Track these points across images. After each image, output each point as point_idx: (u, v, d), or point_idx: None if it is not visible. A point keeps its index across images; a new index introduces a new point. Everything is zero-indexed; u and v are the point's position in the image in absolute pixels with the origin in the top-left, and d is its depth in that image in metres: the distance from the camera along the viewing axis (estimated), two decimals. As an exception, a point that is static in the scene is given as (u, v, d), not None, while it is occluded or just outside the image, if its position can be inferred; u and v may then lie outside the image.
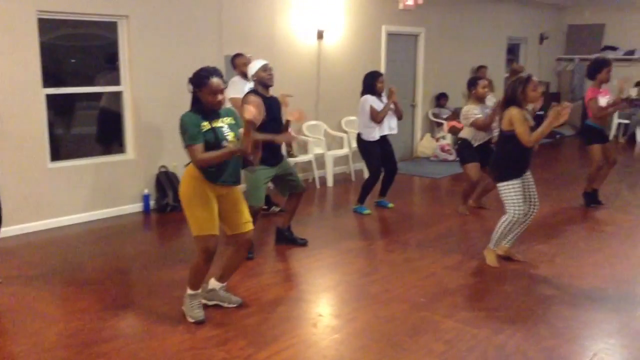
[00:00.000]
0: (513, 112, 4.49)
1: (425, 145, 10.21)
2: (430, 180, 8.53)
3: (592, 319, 3.84)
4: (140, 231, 6.12)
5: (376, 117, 6.27)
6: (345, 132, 8.73)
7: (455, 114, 10.34)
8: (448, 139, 10.03)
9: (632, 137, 12.11)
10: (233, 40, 7.21)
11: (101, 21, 6.21)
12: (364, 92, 6.42)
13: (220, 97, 3.62)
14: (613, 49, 12.89)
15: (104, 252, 5.30)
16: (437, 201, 7.58)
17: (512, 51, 12.70)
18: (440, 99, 10.51)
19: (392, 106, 6.36)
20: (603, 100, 6.41)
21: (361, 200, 6.53)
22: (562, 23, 13.61)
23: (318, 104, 8.42)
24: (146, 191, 6.54)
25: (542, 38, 12.94)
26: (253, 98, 4.81)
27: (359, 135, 6.51)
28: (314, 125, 8.35)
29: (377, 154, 6.40)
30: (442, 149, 9.88)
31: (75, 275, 4.65)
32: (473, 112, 6.15)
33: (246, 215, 3.86)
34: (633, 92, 12.09)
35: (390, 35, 9.37)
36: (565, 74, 13.63)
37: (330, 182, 8.08)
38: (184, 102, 6.94)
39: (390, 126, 6.47)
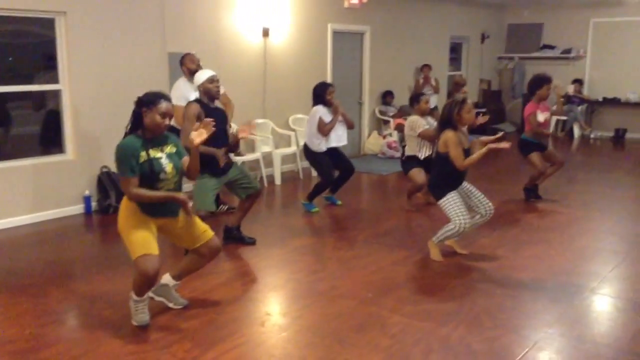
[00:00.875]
0: (449, 135, 4.66)
1: (373, 142, 10.31)
2: (378, 176, 8.62)
3: (532, 310, 3.96)
4: (81, 233, 5.95)
5: (323, 130, 6.26)
6: (293, 130, 8.72)
7: (402, 112, 10.50)
8: (395, 136, 10.16)
9: (571, 133, 12.56)
10: (177, 38, 7.10)
11: (37, 17, 6.01)
12: (314, 103, 6.39)
13: (167, 121, 3.53)
14: (551, 47, 13.34)
15: (44, 256, 5.13)
16: (384, 198, 7.67)
17: (455, 50, 12.98)
18: (387, 97, 10.63)
19: (340, 118, 6.38)
20: (541, 116, 6.63)
21: (310, 197, 6.53)
22: (503, 22, 13.99)
23: (265, 102, 8.38)
24: (87, 192, 6.37)
25: (483, 37, 13.27)
26: (195, 107, 4.75)
27: (305, 145, 6.50)
28: (261, 124, 8.31)
29: (327, 161, 6.40)
30: (389, 146, 9.99)
31: (14, 280, 4.49)
32: (420, 122, 6.26)
33: (200, 226, 3.78)
34: (570, 89, 12.57)
35: (336, 33, 9.42)
36: (506, 72, 14.02)
37: (278, 181, 8.06)
38: (126, 100, 6.80)
39: (338, 137, 6.44)
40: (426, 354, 3.32)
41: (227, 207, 6.44)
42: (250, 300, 4.15)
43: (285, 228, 5.99)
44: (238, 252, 5.15)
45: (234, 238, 5.32)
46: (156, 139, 3.57)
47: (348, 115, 6.49)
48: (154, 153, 3.53)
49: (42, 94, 6.29)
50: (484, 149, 4.57)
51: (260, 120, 8.31)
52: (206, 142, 4.63)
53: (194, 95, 5.30)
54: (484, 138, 4.81)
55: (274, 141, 8.25)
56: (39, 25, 6.13)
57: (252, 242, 5.33)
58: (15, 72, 6.22)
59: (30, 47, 6.37)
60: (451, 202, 4.69)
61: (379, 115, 10.58)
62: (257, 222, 6.10)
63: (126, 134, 3.58)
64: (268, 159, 8.12)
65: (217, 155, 4.71)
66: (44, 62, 6.29)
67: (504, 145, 4.57)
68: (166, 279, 3.92)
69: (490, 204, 4.89)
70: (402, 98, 10.96)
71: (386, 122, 10.54)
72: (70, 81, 6.21)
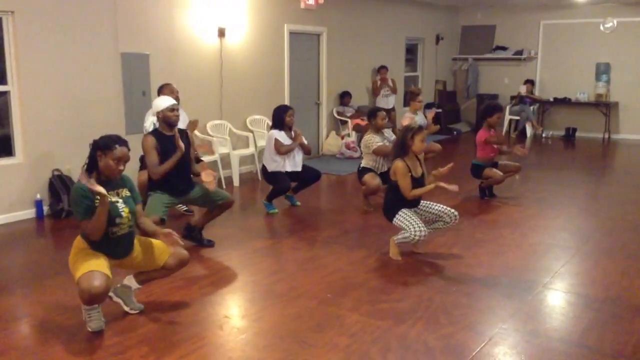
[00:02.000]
0: (398, 165, 4.79)
1: (331, 142, 10.35)
2: (337, 177, 8.66)
3: (487, 306, 4.04)
4: (33, 238, 5.79)
5: (279, 149, 6.28)
6: (251, 131, 8.68)
7: (360, 112, 10.57)
8: (353, 137, 10.22)
9: (523, 132, 12.86)
10: (130, 38, 6.97)
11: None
12: (272, 127, 6.44)
13: (122, 166, 3.52)
14: (503, 48, 13.65)
15: (-7, 263, 4.97)
16: (343, 198, 7.71)
17: (411, 51, 13.14)
18: (344, 97, 10.68)
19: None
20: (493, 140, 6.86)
21: (269, 198, 6.51)
22: (457, 24, 14.25)
23: (222, 103, 8.31)
24: (38, 196, 6.20)
25: (438, 38, 13.48)
26: (150, 140, 4.82)
27: (263, 166, 6.54)
28: (218, 125, 8.24)
29: (284, 176, 6.40)
30: (347, 147, 10.05)
31: (-40, 289, 4.33)
32: (374, 140, 6.35)
33: (157, 246, 3.76)
34: (522, 90, 12.89)
35: (292, 34, 9.42)
36: (461, 73, 14.28)
37: (236, 182, 8.01)
38: (78, 101, 6.66)
39: (295, 162, 6.45)
40: (384, 352, 3.35)
41: (184, 208, 6.36)
42: (209, 303, 4.10)
43: (243, 230, 5.96)
44: (196, 255, 5.08)
45: (193, 238, 5.26)
46: (112, 182, 3.55)
47: (306, 143, 6.53)
48: (111, 197, 3.50)
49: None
50: (432, 185, 4.75)
51: (217, 122, 8.24)
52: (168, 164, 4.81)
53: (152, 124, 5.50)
54: (437, 171, 4.88)
55: (232, 142, 8.19)
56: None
57: (210, 245, 5.28)
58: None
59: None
60: (403, 217, 4.80)
61: (336, 116, 10.63)
62: (216, 224, 6.03)
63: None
64: (226, 160, 8.05)
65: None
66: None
67: (453, 188, 4.70)
68: (130, 281, 3.85)
69: (453, 211, 4.97)
70: (359, 98, 11.04)
71: (344, 123, 10.59)
72: (19, 82, 6.03)
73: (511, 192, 7.39)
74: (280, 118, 6.37)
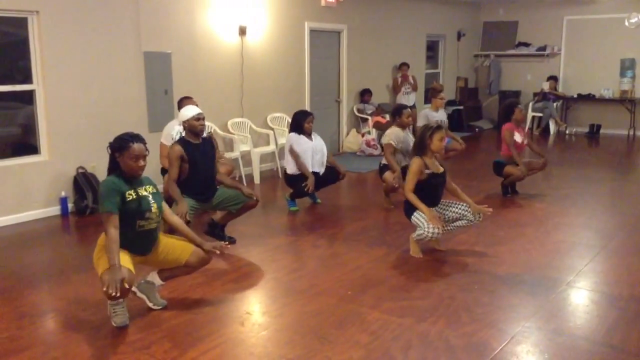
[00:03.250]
0: (414, 161, 4.81)
1: (351, 140, 10.34)
2: (357, 174, 8.65)
3: (509, 304, 4.01)
4: (57, 235, 5.88)
5: (296, 159, 6.33)
6: (272, 128, 8.71)
7: (380, 110, 10.55)
8: (373, 134, 10.20)
9: (547, 129, 12.72)
10: (152, 37, 7.04)
11: (10, 17, 5.91)
12: (291, 130, 6.53)
13: (142, 162, 3.53)
14: (526, 45, 13.50)
15: (21, 258, 5.06)
16: (363, 195, 7.70)
17: (432, 48, 13.06)
18: (364, 95, 10.66)
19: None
20: (518, 137, 6.78)
21: (292, 197, 6.54)
22: (478, 20, 14.12)
23: (242, 101, 8.35)
24: (63, 194, 6.29)
25: (459, 35, 13.37)
26: (177, 150, 4.83)
27: (285, 169, 6.60)
28: (239, 123, 8.29)
29: (300, 186, 6.37)
30: (368, 144, 10.03)
31: (-12, 284, 4.42)
32: (391, 137, 6.36)
33: (178, 245, 3.79)
34: (545, 86, 12.74)
35: (313, 31, 9.42)
36: (482, 70, 14.15)
37: (257, 179, 8.04)
38: (101, 100, 6.75)
39: (314, 163, 6.45)
40: (405, 350, 3.34)
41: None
42: (230, 299, 4.13)
43: (264, 227, 5.98)
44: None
45: (215, 235, 5.30)
46: (136, 179, 3.60)
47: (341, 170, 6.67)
48: (142, 191, 3.57)
49: (16, 94, 6.18)
50: (426, 212, 4.67)
51: (238, 119, 8.29)
52: (196, 173, 4.86)
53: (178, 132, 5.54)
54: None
55: (253, 140, 8.23)
56: (12, 24, 6.03)
57: (231, 241, 5.31)
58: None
59: (2, 47, 6.26)
60: (420, 215, 4.76)
61: (357, 114, 10.61)
62: (237, 221, 6.06)
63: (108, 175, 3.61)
64: (247, 158, 8.09)
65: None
66: (18, 63, 6.19)
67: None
68: (153, 277, 3.89)
69: (478, 215, 4.89)
70: (380, 96, 11.01)
71: (364, 120, 10.57)
72: (44, 81, 6.12)
73: (534, 189, 7.31)
74: (299, 123, 6.44)
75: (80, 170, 6.44)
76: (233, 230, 5.51)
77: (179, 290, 4.19)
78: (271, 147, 8.49)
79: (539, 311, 3.86)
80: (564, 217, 6.17)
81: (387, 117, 10.07)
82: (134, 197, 3.53)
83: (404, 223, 5.78)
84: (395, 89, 11.26)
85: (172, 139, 5.71)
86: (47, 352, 3.36)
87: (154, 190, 3.70)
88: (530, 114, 12.57)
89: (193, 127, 4.93)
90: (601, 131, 12.52)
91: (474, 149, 11.06)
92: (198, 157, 4.93)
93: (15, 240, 5.58)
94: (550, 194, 7.22)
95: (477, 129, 13.14)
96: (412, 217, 4.85)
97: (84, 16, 6.35)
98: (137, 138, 3.56)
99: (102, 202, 3.48)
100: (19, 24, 5.99)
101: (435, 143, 4.80)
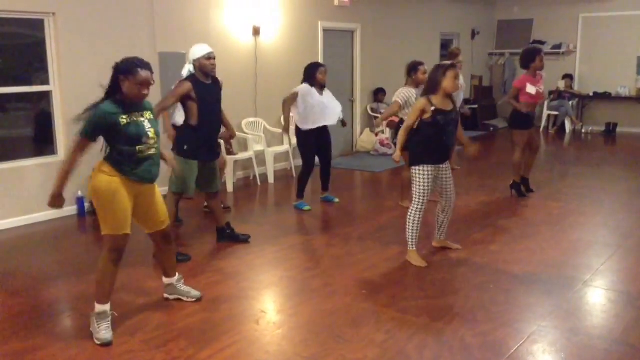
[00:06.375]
0: (420, 100, 4.58)
1: (365, 140, 10.33)
2: (371, 174, 8.64)
3: (525, 303, 3.98)
4: (74, 235, 5.93)
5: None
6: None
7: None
8: (387, 134, 10.17)
9: (562, 128, 12.61)
10: (167, 38, 7.08)
11: (26, 19, 5.98)
12: (303, 81, 6.34)
13: (146, 91, 3.45)
14: (541, 43, 13.36)
15: (38, 258, 5.12)
16: (377, 194, 7.69)
17: (446, 47, 12.99)
18: (378, 94, 10.64)
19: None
20: (532, 89, 6.62)
21: (299, 194, 6.54)
22: (493, 18, 14.04)
23: (256, 100, 8.37)
24: (80, 193, 6.35)
25: (473, 33, 13.30)
26: (187, 86, 4.69)
27: (296, 127, 6.49)
28: (253, 122, 8.31)
29: (311, 146, 6.41)
30: (382, 143, 10.01)
31: (7, 282, 4.47)
32: (408, 94, 6.23)
33: (162, 213, 3.76)
34: (561, 85, 12.63)
35: (326, 31, 9.42)
36: (497, 68, 14.06)
37: (271, 179, 8.06)
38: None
39: (326, 116, 6.36)
40: (420, 349, 3.33)
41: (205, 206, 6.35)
42: (245, 298, 4.14)
43: (278, 226, 5.99)
44: (231, 251, 5.14)
45: (227, 237, 5.31)
46: (135, 104, 3.49)
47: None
48: (136, 117, 3.47)
49: (33, 95, 6.25)
50: (398, 151, 4.71)
51: (252, 119, 8.31)
52: (205, 114, 4.70)
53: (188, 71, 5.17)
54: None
55: (266, 140, 8.24)
56: (29, 26, 6.10)
57: (246, 239, 5.32)
58: (4, 73, 6.17)
59: (19, 48, 6.33)
60: (422, 176, 4.57)
61: (371, 113, 10.59)
62: (251, 220, 6.11)
63: (104, 98, 3.49)
64: (261, 157, 8.11)
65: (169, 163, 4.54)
66: (34, 64, 6.25)
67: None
68: (166, 280, 4.01)
69: (453, 198, 4.82)
70: (393, 95, 10.96)
71: (378, 120, 10.54)
72: (61, 82, 6.18)
73: (550, 188, 7.26)
74: (311, 74, 6.25)
75: (96, 170, 6.48)
76: (247, 230, 5.53)
77: (194, 289, 4.21)
78: (285, 147, 8.50)
79: (556, 310, 3.83)
80: (580, 216, 6.12)
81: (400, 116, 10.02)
82: (128, 121, 3.41)
83: (418, 222, 5.77)
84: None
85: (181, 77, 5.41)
86: (63, 350, 3.39)
87: (150, 117, 3.58)
88: (545, 112, 12.46)
89: (204, 67, 4.75)
90: (618, 129, 12.38)
91: (488, 147, 10.99)
92: (207, 97, 4.75)
93: (32, 240, 5.64)
94: (566, 192, 7.16)
95: (491, 128, 13.06)
96: (414, 170, 4.61)
97: (99, 17, 6.41)
98: (146, 65, 3.45)
99: (84, 125, 3.40)
100: (36, 26, 6.05)
101: (448, 80, 4.42)
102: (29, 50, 6.34)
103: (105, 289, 3.52)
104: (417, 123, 4.60)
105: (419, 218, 4.68)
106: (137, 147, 3.46)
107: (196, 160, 4.89)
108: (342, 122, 6.65)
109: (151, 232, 3.78)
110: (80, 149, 3.43)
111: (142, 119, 3.50)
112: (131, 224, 3.55)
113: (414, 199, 4.65)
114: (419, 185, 4.60)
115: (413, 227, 4.69)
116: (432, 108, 4.48)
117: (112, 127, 3.39)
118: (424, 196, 4.61)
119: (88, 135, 3.41)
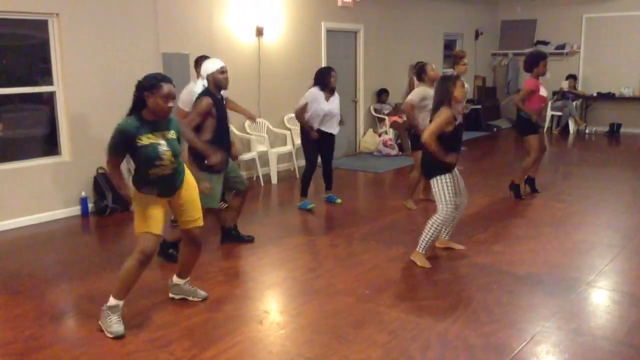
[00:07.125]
0: (442, 110, 4.52)
1: (368, 140, 10.33)
2: (374, 174, 8.63)
3: (528, 304, 3.98)
4: (78, 235, 5.95)
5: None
6: (289, 129, 8.72)
7: (397, 109, 10.51)
8: (390, 134, 10.18)
9: (566, 128, 12.58)
10: (170, 38, 7.09)
11: (30, 19, 6.00)
12: (315, 84, 6.39)
13: (170, 103, 3.50)
14: (545, 43, 13.36)
15: (42, 258, 5.13)
16: (380, 195, 7.68)
17: (449, 47, 12.98)
18: (381, 95, 10.64)
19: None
20: (544, 91, 6.63)
21: (303, 193, 6.55)
22: (496, 19, 14.02)
23: (260, 101, 8.38)
24: (84, 194, 6.36)
25: (477, 34, 13.29)
26: (208, 102, 4.67)
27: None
28: (256, 123, 8.31)
29: (313, 144, 6.41)
30: (385, 144, 10.01)
31: (12, 282, 4.48)
32: (423, 94, 6.18)
33: (190, 214, 3.80)
34: (564, 85, 12.61)
35: (329, 32, 9.43)
36: (500, 69, 14.05)
37: (274, 180, 8.06)
38: (121, 101, 6.79)
39: (331, 124, 6.42)
40: (424, 350, 3.33)
41: (226, 205, 6.41)
42: (248, 298, 4.15)
43: (282, 227, 6.00)
44: (235, 251, 5.15)
45: (232, 238, 5.31)
46: (159, 122, 3.53)
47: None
48: (155, 139, 3.50)
49: (37, 95, 6.27)
50: (445, 156, 4.48)
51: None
52: (221, 128, 4.75)
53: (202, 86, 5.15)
54: None
55: (270, 140, 8.25)
56: (33, 27, 6.12)
57: (250, 240, 5.33)
58: (9, 74, 6.20)
59: (23, 49, 6.35)
60: (443, 185, 4.58)
61: (374, 113, 10.59)
62: (254, 221, 6.11)
63: (128, 114, 3.55)
64: (264, 158, 8.12)
65: (206, 154, 4.61)
66: (38, 65, 6.27)
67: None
68: (175, 280, 4.03)
69: (466, 192, 4.83)
70: (397, 96, 10.97)
71: (381, 120, 10.55)
72: (65, 83, 6.20)
73: (554, 188, 7.25)
74: (324, 79, 6.29)
75: (101, 171, 6.50)
76: (250, 230, 5.53)
77: (200, 290, 4.21)
78: (288, 148, 8.50)
79: (559, 311, 3.82)
80: (584, 217, 6.11)
81: (404, 117, 10.02)
82: (145, 143, 3.45)
83: (421, 223, 5.76)
84: (412, 89, 11.19)
85: (195, 94, 5.41)
86: (67, 350, 3.40)
87: (174, 136, 3.61)
88: (549, 113, 12.44)
89: (218, 81, 4.77)
90: (622, 130, 12.36)
91: (491, 149, 10.99)
92: (222, 111, 4.78)
93: (36, 240, 5.66)
94: (570, 193, 7.15)
95: (495, 128, 13.04)
96: (433, 184, 4.61)
97: (103, 18, 6.42)
98: (167, 78, 3.52)
99: (110, 143, 3.51)
100: (40, 27, 6.07)
101: (458, 89, 4.53)
102: (33, 51, 6.36)
103: (126, 286, 3.59)
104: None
105: (441, 227, 4.70)
106: (149, 171, 3.53)
107: (220, 173, 4.87)
108: (340, 121, 6.64)
109: (185, 229, 3.85)
110: (111, 165, 3.58)
111: (161, 141, 3.52)
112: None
113: (441, 208, 4.62)
114: (446, 195, 4.60)
115: (432, 234, 4.68)
116: (457, 122, 4.56)
117: (129, 144, 3.47)
118: (451, 204, 4.60)
119: (112, 151, 3.53)
